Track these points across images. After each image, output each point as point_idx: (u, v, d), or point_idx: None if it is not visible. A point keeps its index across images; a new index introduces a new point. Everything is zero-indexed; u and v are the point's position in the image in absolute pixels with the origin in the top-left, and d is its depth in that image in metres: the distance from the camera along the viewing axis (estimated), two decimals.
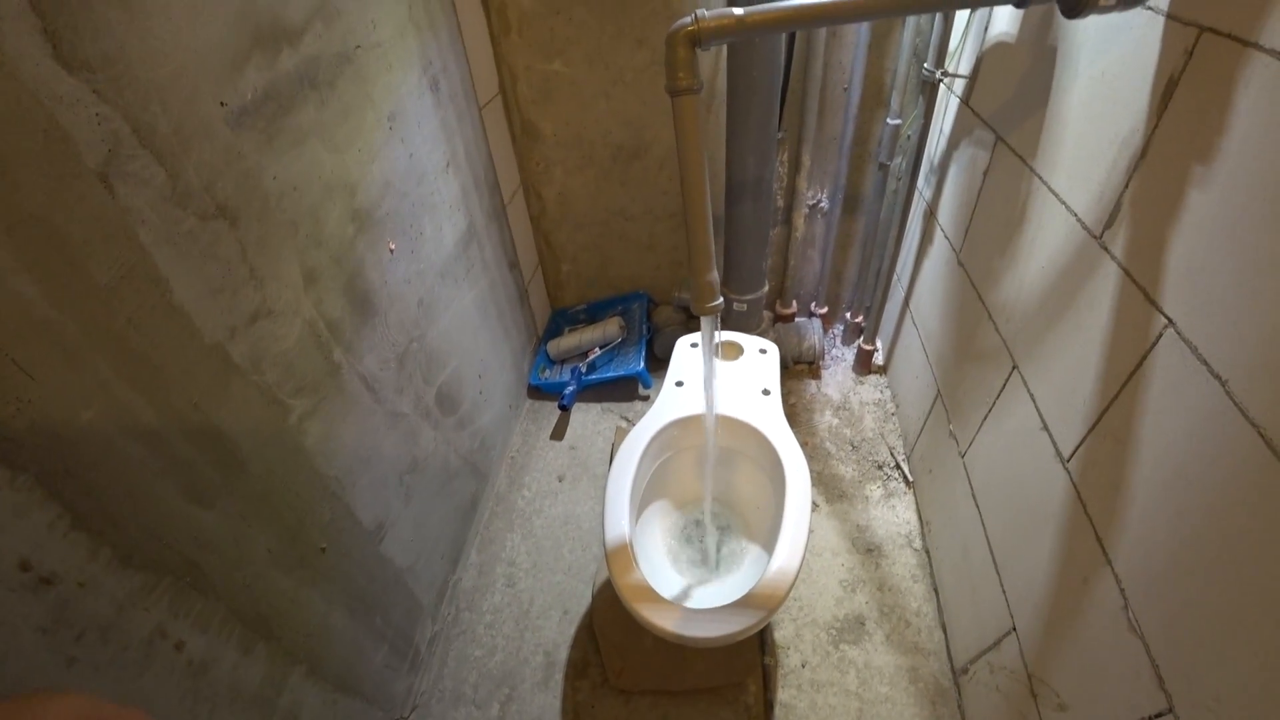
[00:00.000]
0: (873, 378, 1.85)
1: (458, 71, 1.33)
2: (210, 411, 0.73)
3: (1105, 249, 0.83)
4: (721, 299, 0.85)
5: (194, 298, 0.69)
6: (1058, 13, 0.81)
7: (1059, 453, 0.92)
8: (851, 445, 1.67)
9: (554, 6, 1.46)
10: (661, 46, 1.47)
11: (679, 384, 1.22)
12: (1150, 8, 0.73)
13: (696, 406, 1.16)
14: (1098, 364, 0.84)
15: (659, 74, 1.51)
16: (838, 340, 1.97)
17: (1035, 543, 0.98)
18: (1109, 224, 0.82)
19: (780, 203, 1.68)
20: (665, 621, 0.91)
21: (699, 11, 0.75)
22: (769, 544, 1.18)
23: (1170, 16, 0.71)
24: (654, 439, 1.13)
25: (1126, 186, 0.79)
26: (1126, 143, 0.78)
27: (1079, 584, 0.87)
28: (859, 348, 1.82)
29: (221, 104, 0.72)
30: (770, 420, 1.14)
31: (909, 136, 1.42)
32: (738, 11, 0.74)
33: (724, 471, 1.23)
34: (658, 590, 0.95)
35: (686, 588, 1.19)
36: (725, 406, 1.16)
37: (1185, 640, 0.68)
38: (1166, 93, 0.72)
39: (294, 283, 0.85)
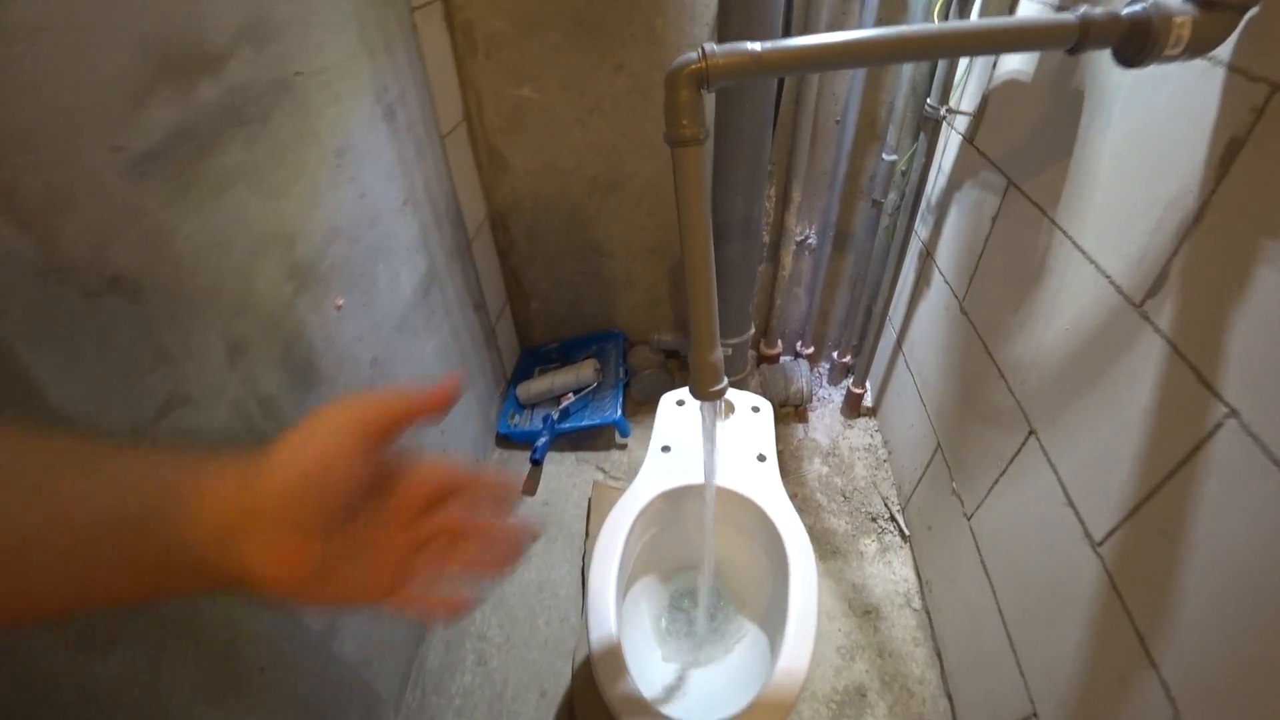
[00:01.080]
0: (862, 420, 1.75)
1: (417, 98, 1.20)
2: None
3: (1147, 319, 0.74)
4: (726, 382, 0.73)
5: (81, 397, 0.55)
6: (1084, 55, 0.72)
7: (1089, 535, 0.83)
8: (843, 495, 1.57)
9: (526, 28, 1.34)
10: (644, 73, 1.37)
11: (665, 449, 1.10)
12: (1209, 58, 0.64)
13: (685, 475, 1.05)
14: (1137, 446, 0.75)
15: (639, 102, 1.40)
16: (823, 380, 1.87)
17: (1059, 626, 0.89)
18: (1152, 292, 0.73)
19: (767, 239, 1.58)
20: None
21: (707, 46, 0.64)
22: (766, 624, 1.08)
23: (1233, 69, 0.62)
24: (640, 515, 1.01)
25: (1175, 253, 0.70)
26: (1174, 205, 0.69)
27: (1115, 683, 0.78)
28: (848, 390, 1.73)
29: (116, 149, 0.59)
30: (768, 492, 1.03)
31: (905, 173, 1.34)
32: (754, 47, 0.63)
33: (719, 542, 1.11)
34: (651, 682, 0.83)
35: (680, 674, 1.07)
36: (718, 476, 1.05)
37: None
38: (1228, 155, 0.63)
39: (216, 359, 0.71)
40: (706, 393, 0.73)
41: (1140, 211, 0.75)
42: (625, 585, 1.04)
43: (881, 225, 1.44)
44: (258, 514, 0.29)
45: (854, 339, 1.70)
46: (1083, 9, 0.62)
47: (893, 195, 1.39)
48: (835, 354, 1.80)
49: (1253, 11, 0.59)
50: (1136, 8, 0.61)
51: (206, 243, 0.69)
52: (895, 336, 1.59)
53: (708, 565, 1.03)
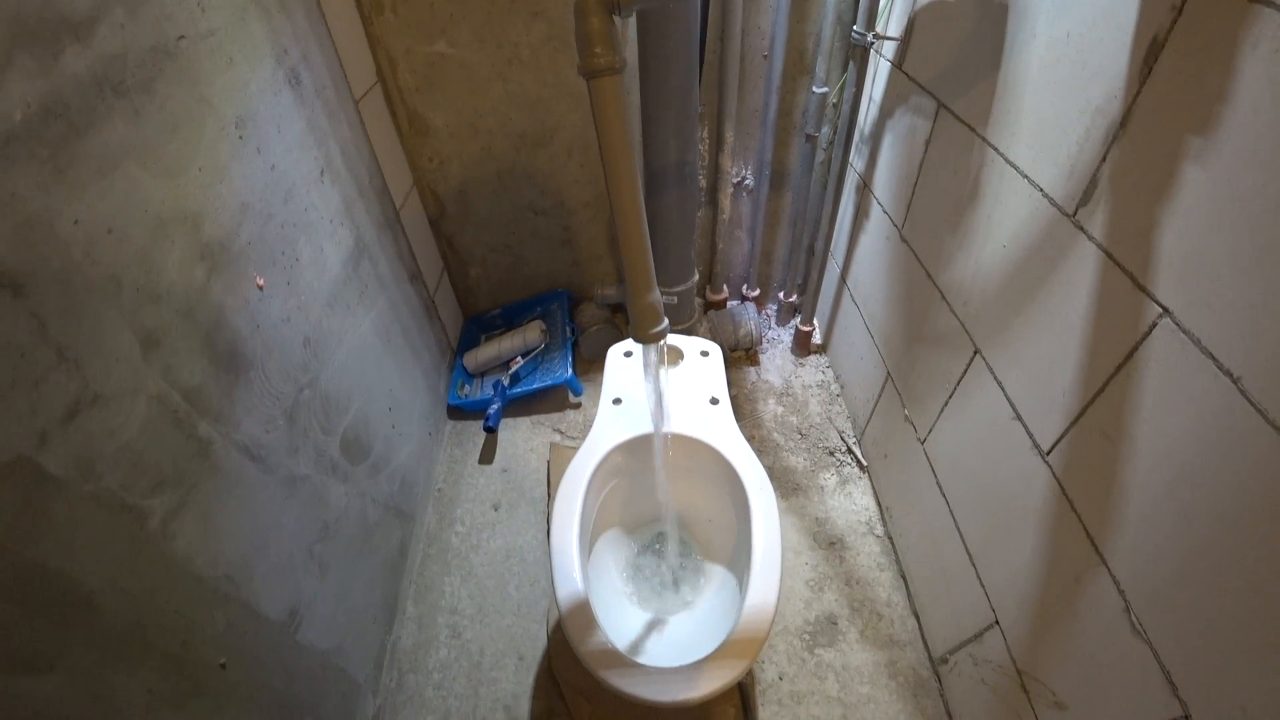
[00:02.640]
0: (813, 358, 1.77)
1: (323, 60, 1.12)
2: (22, 550, 0.54)
3: (1080, 228, 0.74)
4: (667, 322, 0.71)
5: None
6: None
7: (1037, 445, 0.85)
8: (799, 433, 1.59)
9: None
10: (561, 18, 1.31)
11: (616, 401, 1.08)
12: None
13: (639, 426, 1.03)
14: (1077, 353, 0.76)
15: (560, 50, 1.34)
16: (772, 321, 1.88)
17: (1015, 536, 0.92)
18: (1084, 201, 0.73)
19: (704, 183, 1.56)
20: (642, 688, 0.79)
21: None
22: (734, 565, 1.09)
23: None
24: (597, 469, 1.00)
25: (1104, 160, 0.70)
26: (1101, 111, 0.70)
27: (1071, 582, 0.81)
28: (796, 329, 1.74)
29: None
30: (723, 433, 1.03)
31: (836, 105, 1.32)
32: None
33: (676, 486, 1.11)
34: (624, 634, 0.83)
35: (653, 623, 1.08)
36: (673, 422, 1.04)
37: (1201, 649, 0.62)
38: (1150, 55, 0.63)
39: (127, 353, 0.66)
40: (647, 334, 0.71)
41: (1069, 121, 0.75)
42: (589, 541, 1.03)
43: (817, 160, 1.42)
44: None
45: (798, 278, 1.70)
46: None
47: (826, 129, 1.37)
48: (781, 294, 1.80)
49: None
50: None
51: (97, 228, 0.63)
52: (839, 271, 1.60)
53: (667, 511, 1.03)
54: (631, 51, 1.34)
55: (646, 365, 0.79)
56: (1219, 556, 0.59)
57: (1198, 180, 0.59)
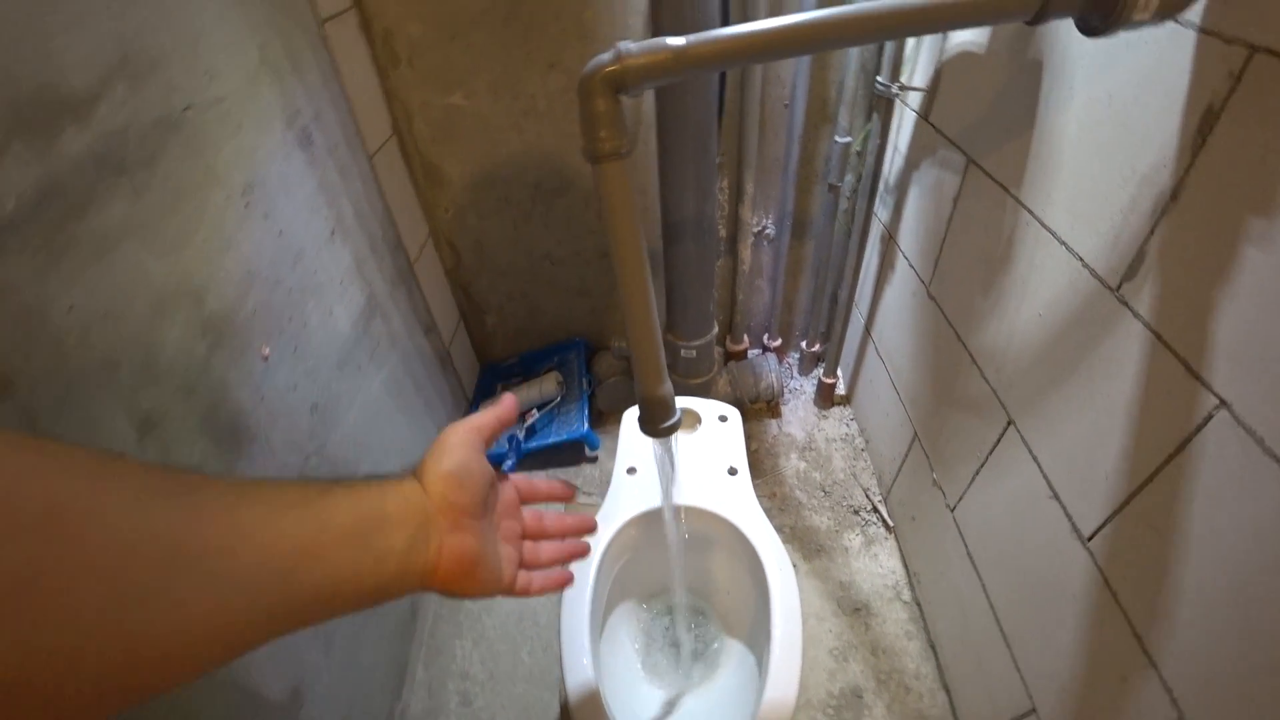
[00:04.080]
0: (836, 410, 1.72)
1: (336, 118, 1.12)
2: None
3: (1125, 303, 0.69)
4: (680, 414, 0.67)
5: None
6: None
7: (1077, 530, 0.80)
8: (823, 490, 1.53)
9: (449, 32, 1.26)
10: (578, 70, 1.29)
11: (631, 470, 1.04)
12: (1178, 20, 0.59)
13: (654, 498, 0.99)
14: (1122, 438, 0.71)
15: (575, 100, 1.33)
16: (794, 371, 1.83)
17: (1053, 621, 0.85)
18: (1129, 275, 0.69)
19: (723, 233, 1.53)
20: None
21: (622, 45, 0.57)
22: (752, 642, 1.03)
23: (1206, 31, 0.57)
24: (610, 544, 0.96)
25: (1152, 233, 0.65)
26: (1148, 180, 0.65)
27: (1116, 681, 0.75)
28: (819, 380, 1.69)
29: None
30: (741, 508, 0.98)
31: (860, 154, 1.28)
32: (675, 42, 0.56)
33: (694, 560, 1.06)
34: (638, 715, 0.78)
35: (669, 702, 1.03)
36: (687, 493, 1.00)
37: None
38: (1204, 125, 0.58)
39: (122, 440, 0.64)
40: (658, 430, 0.67)
41: (1112, 188, 0.70)
42: (602, 619, 0.99)
43: (840, 210, 1.39)
44: (431, 522, 0.37)
45: (821, 327, 1.66)
46: None
47: (849, 178, 1.34)
48: (804, 344, 1.75)
49: None
50: None
51: (94, 313, 0.61)
52: (863, 323, 1.55)
53: (680, 603, 0.99)
54: (648, 102, 1.33)
55: (659, 461, 0.75)
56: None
57: (1261, 264, 0.54)
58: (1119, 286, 0.70)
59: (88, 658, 0.22)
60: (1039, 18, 0.56)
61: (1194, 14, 0.58)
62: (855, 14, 0.55)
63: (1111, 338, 0.72)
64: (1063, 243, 0.79)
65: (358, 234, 1.15)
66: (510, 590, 0.44)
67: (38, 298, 0.56)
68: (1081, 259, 0.76)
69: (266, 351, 0.87)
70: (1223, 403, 0.58)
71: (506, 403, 0.47)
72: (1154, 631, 0.68)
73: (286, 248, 0.93)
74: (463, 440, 0.42)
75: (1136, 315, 0.68)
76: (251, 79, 0.89)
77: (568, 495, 0.50)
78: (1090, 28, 0.57)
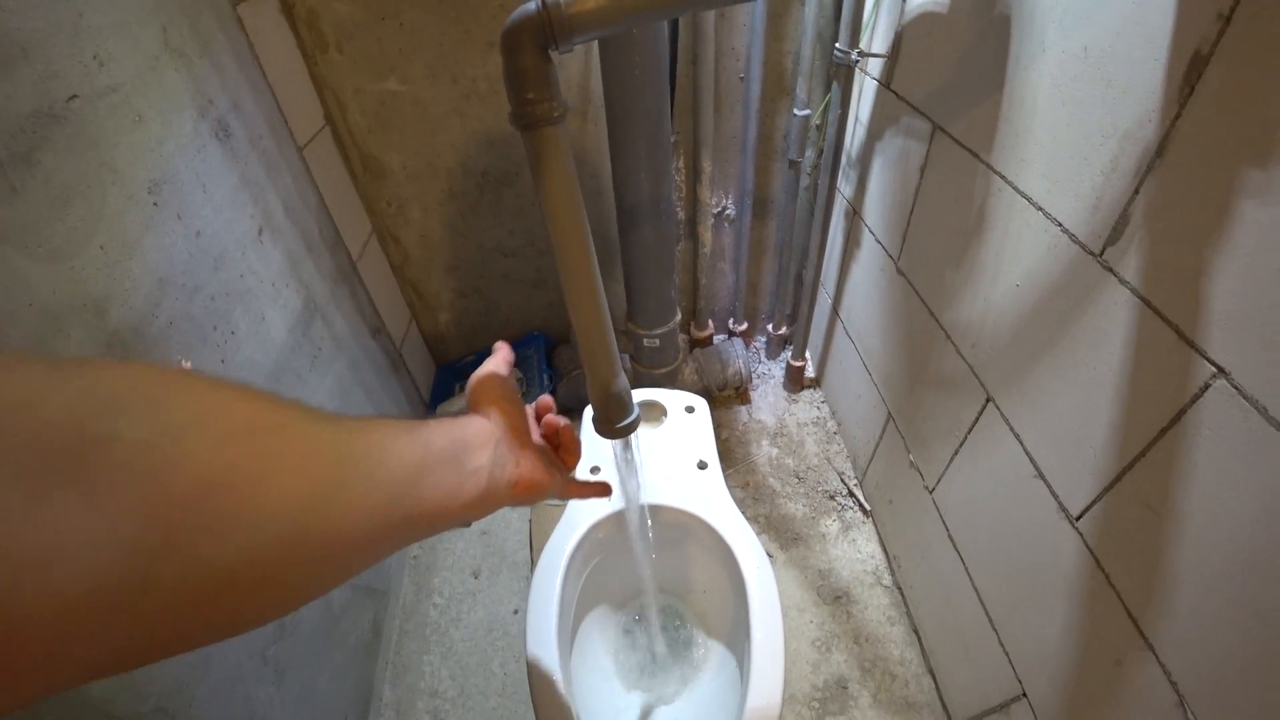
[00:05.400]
0: (806, 393, 1.68)
1: (258, 107, 1.03)
2: None
3: (1110, 270, 0.65)
4: (637, 412, 0.61)
5: None
6: None
7: (1064, 509, 0.76)
8: (797, 476, 1.49)
9: (379, 12, 1.17)
10: None
11: (594, 470, 0.98)
12: None
13: (620, 499, 0.93)
14: (1111, 411, 0.68)
15: None
16: (761, 355, 1.78)
17: (1042, 604, 0.82)
18: (1113, 239, 0.65)
19: (682, 215, 1.47)
20: None
21: None
22: (732, 643, 0.98)
23: None
24: (576, 548, 0.90)
25: (1137, 192, 0.61)
26: (1131, 137, 0.61)
27: (1111, 665, 0.72)
28: (788, 364, 1.64)
29: None
30: (713, 503, 0.93)
31: (820, 127, 1.23)
32: None
33: (669, 560, 1.01)
34: None
35: (646, 708, 0.98)
36: (655, 491, 0.94)
37: None
38: (1191, 73, 0.54)
39: None
40: (615, 430, 0.61)
41: (1091, 148, 0.66)
42: (572, 628, 0.93)
43: (801, 186, 1.34)
44: (504, 441, 0.42)
45: (787, 309, 1.61)
46: None
47: (810, 153, 1.29)
48: (770, 327, 1.71)
49: None
50: None
51: None
52: (830, 303, 1.51)
53: (652, 607, 0.93)
54: (595, 81, 1.26)
55: (618, 462, 0.69)
56: None
57: (1258, 220, 0.50)
58: (1102, 252, 0.66)
59: (292, 545, 0.26)
60: None
61: None
62: None
63: (1096, 307, 0.68)
64: (1039, 208, 0.75)
65: (290, 232, 1.06)
66: (567, 493, 0.52)
67: None
68: (1060, 224, 0.72)
69: (187, 364, 0.78)
70: (1220, 371, 0.55)
71: (503, 350, 0.51)
72: (1150, 613, 0.65)
73: (205, 250, 0.85)
74: (494, 381, 0.47)
75: (1123, 281, 0.64)
76: (152, 65, 0.80)
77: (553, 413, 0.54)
78: None
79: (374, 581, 1.21)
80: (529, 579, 1.34)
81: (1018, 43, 0.75)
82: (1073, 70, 0.68)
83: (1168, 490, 0.61)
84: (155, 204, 0.77)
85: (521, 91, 0.45)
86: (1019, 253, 0.79)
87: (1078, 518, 0.74)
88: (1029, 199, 0.76)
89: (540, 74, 0.45)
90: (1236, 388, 0.53)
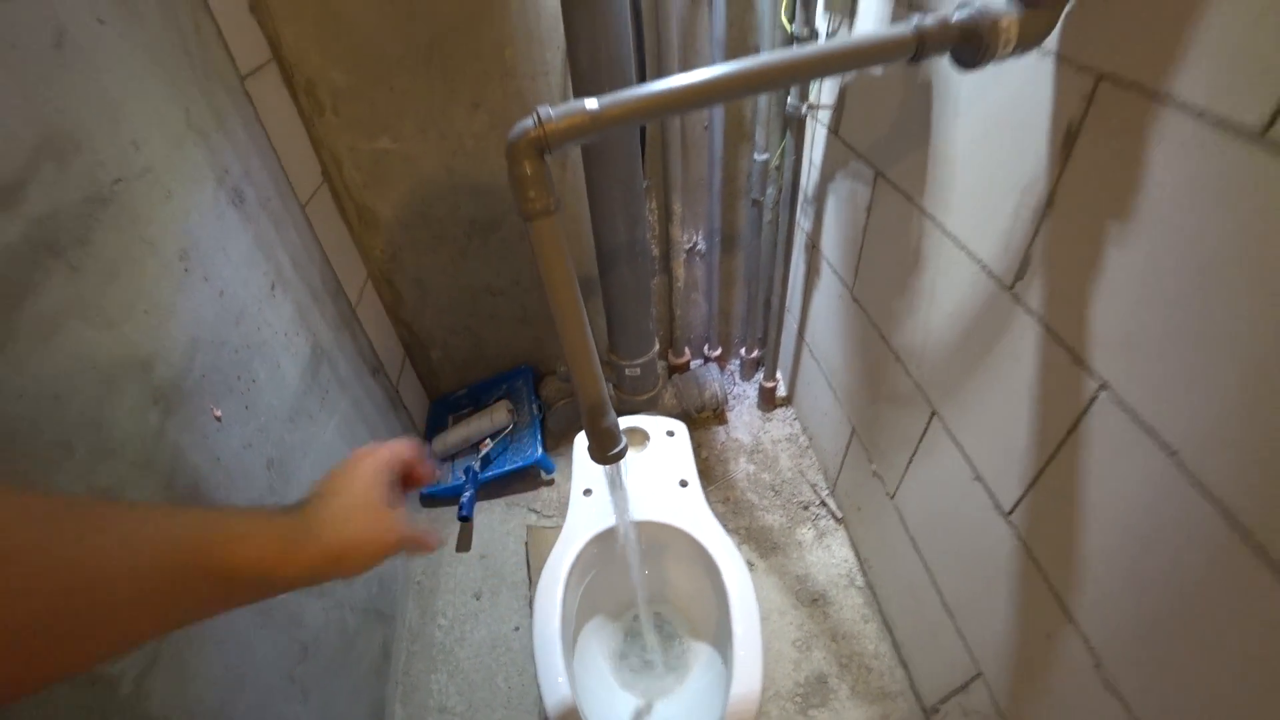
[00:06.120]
0: (779, 411, 1.79)
1: (266, 171, 1.13)
2: None
3: (1019, 301, 0.77)
4: (625, 442, 0.72)
5: None
6: None
7: (999, 506, 0.87)
8: (773, 490, 1.60)
9: (372, 77, 1.28)
10: (501, 108, 1.33)
11: (587, 492, 1.08)
12: (1039, 49, 0.67)
13: (610, 517, 1.03)
14: (1028, 420, 0.79)
15: (503, 139, 1.36)
16: (736, 378, 1.90)
17: (988, 592, 0.93)
18: (1020, 275, 0.77)
19: (656, 252, 1.58)
20: None
21: (542, 110, 0.61)
22: (718, 643, 1.08)
23: (1062, 58, 0.65)
24: (574, 564, 1.00)
25: (1035, 236, 0.73)
26: (1028, 190, 0.73)
27: (1043, 639, 0.83)
28: (760, 385, 1.76)
29: None
30: (695, 517, 1.03)
31: (778, 169, 1.36)
32: (590, 105, 0.60)
33: (658, 571, 1.11)
34: None
35: (643, 708, 1.06)
36: (642, 508, 1.04)
37: (1172, 706, 0.63)
38: (1068, 141, 0.66)
39: None
40: (606, 457, 0.72)
41: (999, 197, 0.78)
42: (573, 635, 1.02)
43: (764, 222, 1.46)
44: (315, 517, 0.42)
45: (758, 334, 1.73)
46: (915, 19, 0.64)
47: (771, 192, 1.41)
48: (743, 351, 1.83)
49: (1071, 4, 0.62)
50: (964, 13, 0.63)
51: (42, 397, 0.62)
52: (796, 327, 1.63)
53: (644, 612, 1.03)
54: None
55: (610, 484, 0.79)
56: (1177, 620, 0.61)
57: (1120, 261, 0.62)
58: (1012, 285, 0.78)
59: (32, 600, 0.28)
60: (917, 57, 0.62)
61: (1052, 42, 0.66)
62: (756, 68, 0.61)
63: (1010, 331, 0.80)
64: (963, 247, 0.87)
65: (297, 284, 1.16)
66: (406, 548, 0.48)
67: None
68: (980, 262, 0.84)
69: (218, 413, 0.87)
70: (1104, 384, 0.66)
71: (427, 468, 0.52)
72: (1070, 590, 0.76)
73: (228, 308, 0.94)
74: (350, 462, 0.47)
75: (1029, 311, 0.76)
76: (177, 144, 0.90)
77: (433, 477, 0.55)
78: (962, 64, 0.64)
79: (381, 606, 1.29)
80: (528, 598, 1.43)
81: (938, 104, 0.88)
82: (981, 131, 0.80)
83: (1073, 485, 0.73)
84: (185, 269, 0.87)
85: (524, 191, 0.56)
86: (949, 285, 0.91)
87: (1009, 512, 0.85)
88: (954, 239, 0.88)
89: (538, 176, 0.56)
90: (1117, 398, 0.65)
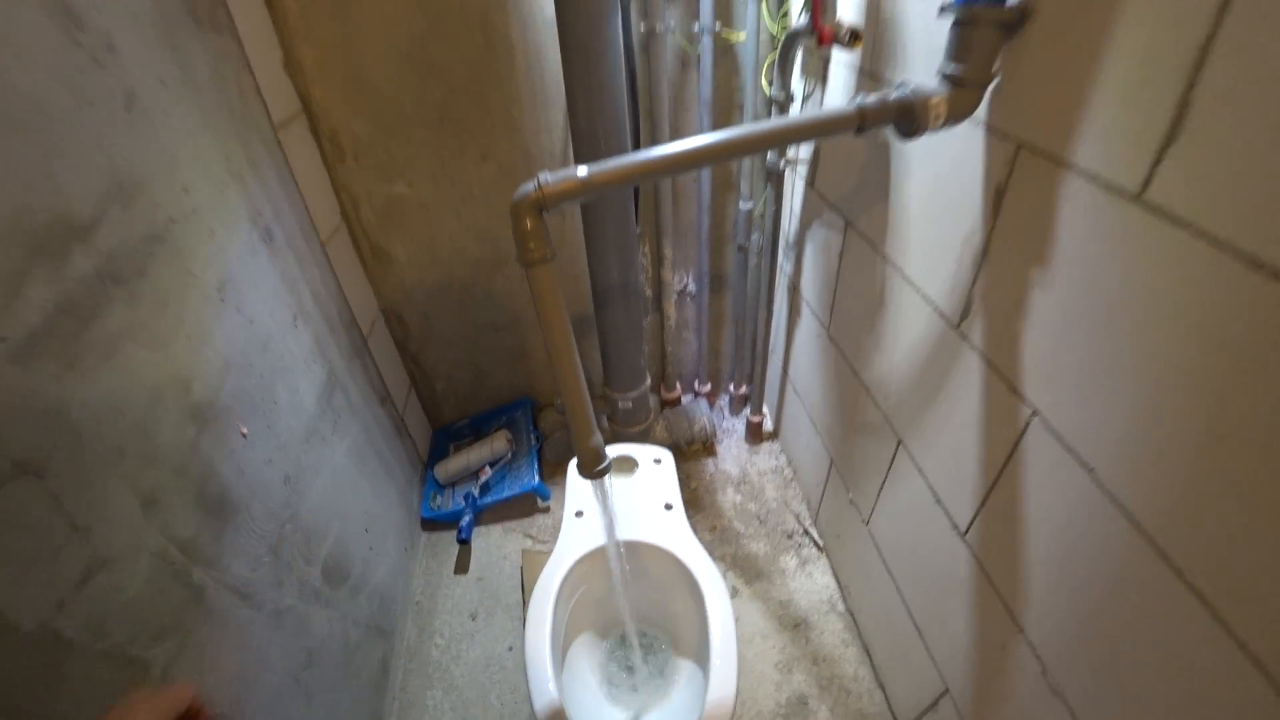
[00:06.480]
0: (766, 445, 1.88)
1: (292, 212, 1.24)
2: (40, 713, 0.60)
3: (965, 338, 0.87)
4: (609, 460, 0.81)
5: None
6: None
7: (956, 526, 0.96)
8: (758, 519, 1.68)
9: (390, 129, 1.40)
10: (508, 160, 1.45)
11: (578, 514, 1.16)
12: (971, 119, 0.78)
13: (600, 538, 1.11)
14: (977, 445, 0.88)
15: (509, 187, 1.48)
16: (725, 412, 1.99)
17: (951, 610, 1.00)
18: (965, 315, 0.87)
19: (649, 293, 1.69)
20: None
21: (542, 175, 0.72)
22: (700, 658, 1.14)
23: (990, 129, 0.76)
24: (564, 580, 1.07)
25: (975, 281, 0.83)
26: (969, 240, 0.83)
27: (998, 650, 0.90)
28: (748, 419, 1.85)
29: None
30: (677, 537, 1.11)
31: (761, 217, 1.47)
32: (581, 172, 0.72)
33: (644, 590, 1.18)
34: None
35: None
36: (629, 529, 1.12)
37: (1107, 704, 0.71)
38: (997, 199, 0.77)
39: (130, 516, 0.72)
40: (592, 472, 0.81)
41: (946, 246, 0.88)
42: (563, 649, 1.09)
43: (750, 266, 1.57)
44: None
45: (746, 371, 1.83)
46: (858, 99, 0.75)
47: (755, 238, 1.52)
48: (732, 387, 1.92)
49: (994, 84, 0.74)
50: (900, 93, 0.74)
51: (103, 407, 0.71)
52: (780, 365, 1.72)
53: (629, 624, 1.10)
54: None
55: (598, 497, 0.88)
56: (1101, 620, 0.69)
57: (1042, 303, 0.72)
58: (959, 324, 0.88)
59: None
60: (861, 129, 0.73)
61: (981, 113, 0.77)
62: (731, 138, 0.72)
63: (959, 365, 0.89)
64: (918, 290, 0.97)
65: (316, 317, 1.26)
66: None
67: (59, 398, 0.66)
68: (933, 303, 0.94)
69: (245, 430, 0.96)
70: (1035, 411, 0.75)
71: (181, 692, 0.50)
72: (1017, 600, 0.84)
73: (256, 336, 1.04)
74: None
75: (973, 347, 0.85)
76: (220, 188, 1.01)
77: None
78: (902, 134, 0.75)
79: (381, 623, 1.36)
80: (522, 619, 1.49)
81: (895, 164, 0.99)
82: (931, 188, 0.91)
83: (1016, 503, 0.81)
84: (222, 300, 0.96)
85: (525, 243, 0.67)
86: (908, 324, 1.01)
87: (965, 532, 0.94)
88: (912, 283, 0.99)
89: (537, 231, 0.67)
90: (1045, 423, 0.74)
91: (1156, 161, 0.56)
